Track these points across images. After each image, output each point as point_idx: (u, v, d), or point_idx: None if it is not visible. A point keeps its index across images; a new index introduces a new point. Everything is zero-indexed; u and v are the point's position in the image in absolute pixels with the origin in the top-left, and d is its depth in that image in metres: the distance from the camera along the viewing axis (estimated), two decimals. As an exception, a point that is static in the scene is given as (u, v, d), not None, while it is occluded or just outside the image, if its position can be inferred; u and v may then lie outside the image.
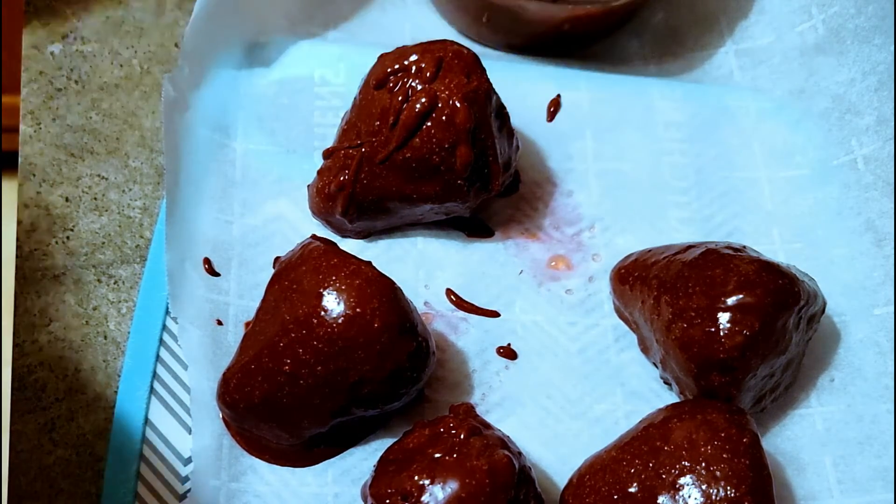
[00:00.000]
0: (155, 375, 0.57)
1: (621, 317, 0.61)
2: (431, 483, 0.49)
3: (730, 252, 0.56)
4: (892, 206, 0.62)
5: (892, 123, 0.63)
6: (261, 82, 0.66)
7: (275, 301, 0.54)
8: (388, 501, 0.49)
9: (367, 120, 0.59)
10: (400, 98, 0.57)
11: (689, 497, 0.49)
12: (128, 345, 0.58)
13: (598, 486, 0.51)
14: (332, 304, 0.52)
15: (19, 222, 0.62)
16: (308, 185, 0.63)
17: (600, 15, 0.66)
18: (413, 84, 0.57)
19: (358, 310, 0.52)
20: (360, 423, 0.56)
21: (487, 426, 0.52)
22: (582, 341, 0.60)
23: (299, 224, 0.62)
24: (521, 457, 0.51)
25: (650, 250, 0.60)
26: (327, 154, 0.61)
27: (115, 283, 0.61)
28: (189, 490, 0.54)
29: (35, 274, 0.60)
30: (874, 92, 0.65)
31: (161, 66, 0.68)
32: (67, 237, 0.62)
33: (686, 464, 0.50)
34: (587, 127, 0.67)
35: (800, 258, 0.62)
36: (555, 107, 0.68)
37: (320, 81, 0.67)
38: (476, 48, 0.62)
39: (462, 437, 0.50)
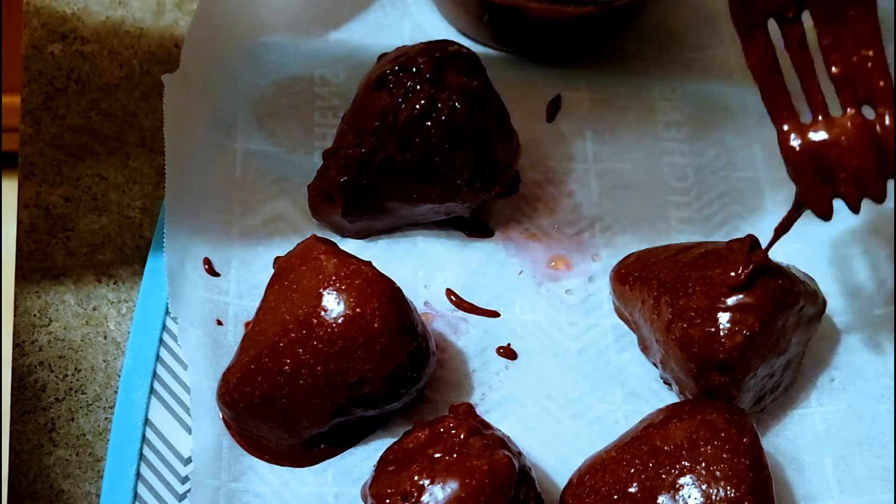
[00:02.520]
0: (155, 375, 0.57)
1: (621, 317, 0.61)
2: (431, 483, 0.49)
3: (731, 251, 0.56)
4: (893, 206, 0.62)
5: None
6: (261, 82, 0.66)
7: (275, 301, 0.54)
8: (388, 501, 0.49)
9: (367, 120, 0.59)
10: (400, 98, 0.57)
11: (689, 497, 0.49)
12: (128, 345, 0.58)
13: (597, 486, 0.51)
14: (332, 304, 0.52)
15: (19, 222, 0.62)
16: (308, 185, 0.63)
17: (601, 15, 0.66)
18: (413, 84, 0.57)
19: (358, 310, 0.52)
20: (360, 423, 0.56)
21: (487, 426, 0.52)
22: (582, 341, 0.60)
23: (299, 224, 0.62)
24: (521, 457, 0.51)
25: (650, 250, 0.60)
26: (327, 154, 0.61)
27: (115, 283, 0.61)
28: (189, 490, 0.54)
29: (35, 274, 0.60)
30: (874, 92, 0.65)
31: (161, 66, 0.68)
32: (67, 237, 0.62)
33: (686, 464, 0.50)
34: (587, 127, 0.67)
35: (800, 258, 0.62)
36: (555, 107, 0.68)
37: (320, 81, 0.67)
38: (476, 48, 0.62)
39: (462, 437, 0.50)
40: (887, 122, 0.48)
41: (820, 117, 0.50)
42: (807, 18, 0.49)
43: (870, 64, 0.48)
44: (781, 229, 0.53)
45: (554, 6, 0.65)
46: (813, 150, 0.50)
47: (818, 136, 0.49)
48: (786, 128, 0.50)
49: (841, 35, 0.48)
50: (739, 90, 0.69)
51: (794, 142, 0.50)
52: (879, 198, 0.50)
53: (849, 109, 0.49)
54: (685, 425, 0.51)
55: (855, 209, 0.50)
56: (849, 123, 0.49)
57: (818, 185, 0.50)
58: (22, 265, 0.60)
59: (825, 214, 0.51)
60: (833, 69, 0.49)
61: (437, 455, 0.50)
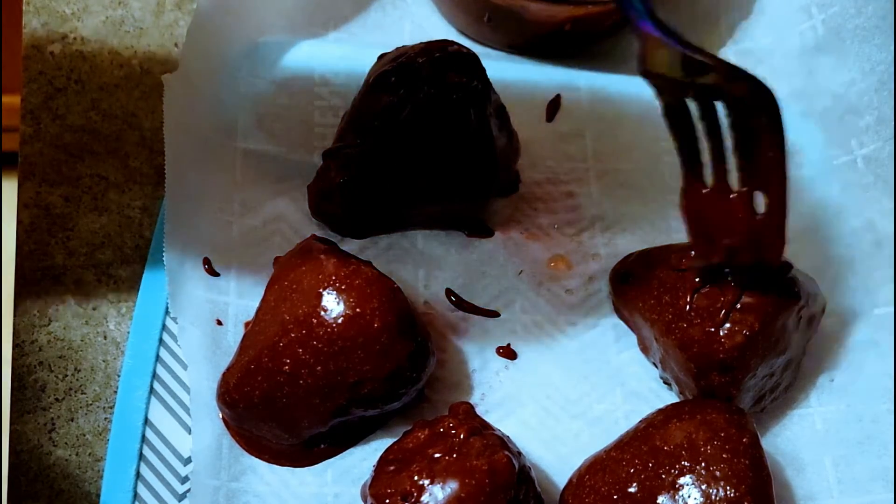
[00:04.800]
0: (155, 375, 0.57)
1: (621, 317, 0.61)
2: (431, 483, 0.49)
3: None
4: (892, 206, 0.62)
5: (892, 123, 0.63)
6: (261, 82, 0.66)
7: (275, 301, 0.54)
8: (387, 501, 0.49)
9: (367, 120, 0.59)
10: (400, 98, 0.57)
11: (689, 497, 0.49)
12: (128, 345, 0.58)
13: (597, 486, 0.51)
14: (332, 304, 0.52)
15: (19, 222, 0.62)
16: (308, 185, 0.63)
17: (601, 15, 0.66)
18: (413, 84, 0.57)
19: (358, 310, 0.52)
20: (359, 423, 0.56)
21: (487, 426, 0.52)
22: (582, 341, 0.60)
23: (299, 224, 0.62)
24: (520, 457, 0.51)
25: (650, 250, 0.60)
26: (327, 154, 0.61)
27: (115, 283, 0.61)
28: (189, 490, 0.54)
29: (35, 274, 0.60)
30: (874, 92, 0.65)
31: (161, 66, 0.68)
32: (67, 237, 0.62)
33: (686, 464, 0.50)
34: (587, 127, 0.67)
35: (800, 258, 0.62)
36: (555, 107, 0.68)
37: (320, 81, 0.67)
38: (476, 48, 0.62)
39: (462, 437, 0.50)
40: (770, 219, 0.51)
41: (717, 186, 0.52)
42: None
43: (773, 162, 0.50)
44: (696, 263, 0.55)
45: (553, 6, 0.65)
46: (702, 214, 0.53)
47: (710, 204, 0.52)
48: (688, 185, 0.52)
49: (750, 135, 0.50)
50: (739, 90, 0.69)
51: (690, 201, 0.53)
52: (746, 265, 0.53)
53: (743, 189, 0.51)
54: (685, 425, 0.51)
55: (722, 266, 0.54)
56: (737, 205, 0.51)
57: (704, 240, 0.53)
58: (22, 265, 0.60)
59: (718, 260, 0.54)
60: (739, 151, 0.50)
61: (437, 455, 0.50)
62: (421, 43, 0.60)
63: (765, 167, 0.50)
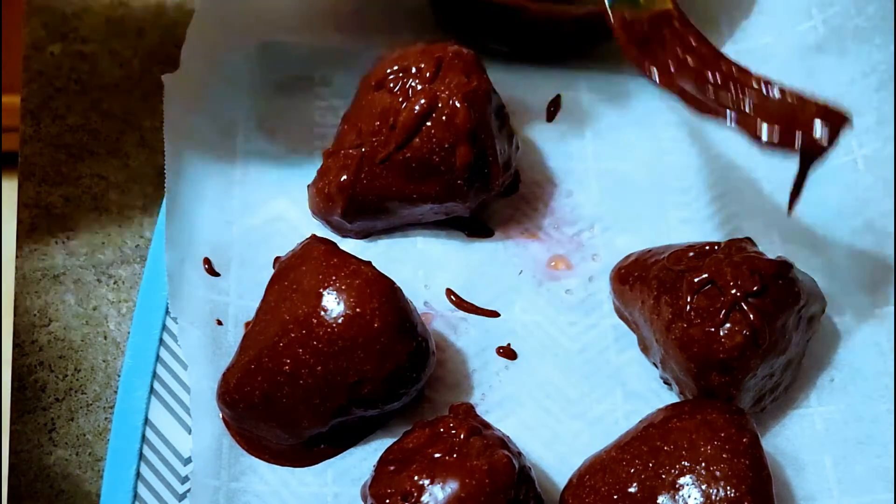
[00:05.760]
0: (155, 375, 0.57)
1: (621, 317, 0.61)
2: (431, 483, 0.49)
3: (730, 251, 0.56)
4: (892, 206, 0.62)
5: (892, 123, 0.63)
6: (261, 82, 0.66)
7: (275, 301, 0.54)
8: (387, 501, 0.49)
9: (367, 120, 0.59)
10: (400, 98, 0.57)
11: (689, 497, 0.49)
12: (128, 345, 0.58)
13: (597, 486, 0.51)
14: (332, 304, 0.52)
15: (19, 222, 0.62)
16: (308, 185, 0.63)
17: (601, 15, 0.66)
18: (413, 84, 0.57)
19: (358, 310, 0.52)
20: (360, 424, 0.56)
21: (487, 426, 0.52)
22: (582, 341, 0.60)
23: (299, 224, 0.62)
24: (520, 457, 0.51)
25: (650, 250, 0.60)
26: (327, 154, 0.61)
27: (115, 283, 0.61)
28: (189, 490, 0.54)
29: (35, 274, 0.60)
30: (874, 92, 0.65)
31: (161, 66, 0.68)
32: (67, 237, 0.62)
33: (686, 464, 0.50)
34: (587, 127, 0.67)
35: (800, 258, 0.62)
36: (555, 107, 0.68)
37: (320, 81, 0.67)
38: (476, 48, 0.62)
39: (462, 437, 0.50)
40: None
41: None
42: None
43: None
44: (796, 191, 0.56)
45: (554, 6, 0.65)
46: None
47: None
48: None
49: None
50: (739, 90, 0.69)
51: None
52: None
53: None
54: (685, 425, 0.51)
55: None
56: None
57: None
58: (22, 265, 0.61)
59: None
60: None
61: (437, 455, 0.50)
62: (421, 43, 0.60)
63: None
